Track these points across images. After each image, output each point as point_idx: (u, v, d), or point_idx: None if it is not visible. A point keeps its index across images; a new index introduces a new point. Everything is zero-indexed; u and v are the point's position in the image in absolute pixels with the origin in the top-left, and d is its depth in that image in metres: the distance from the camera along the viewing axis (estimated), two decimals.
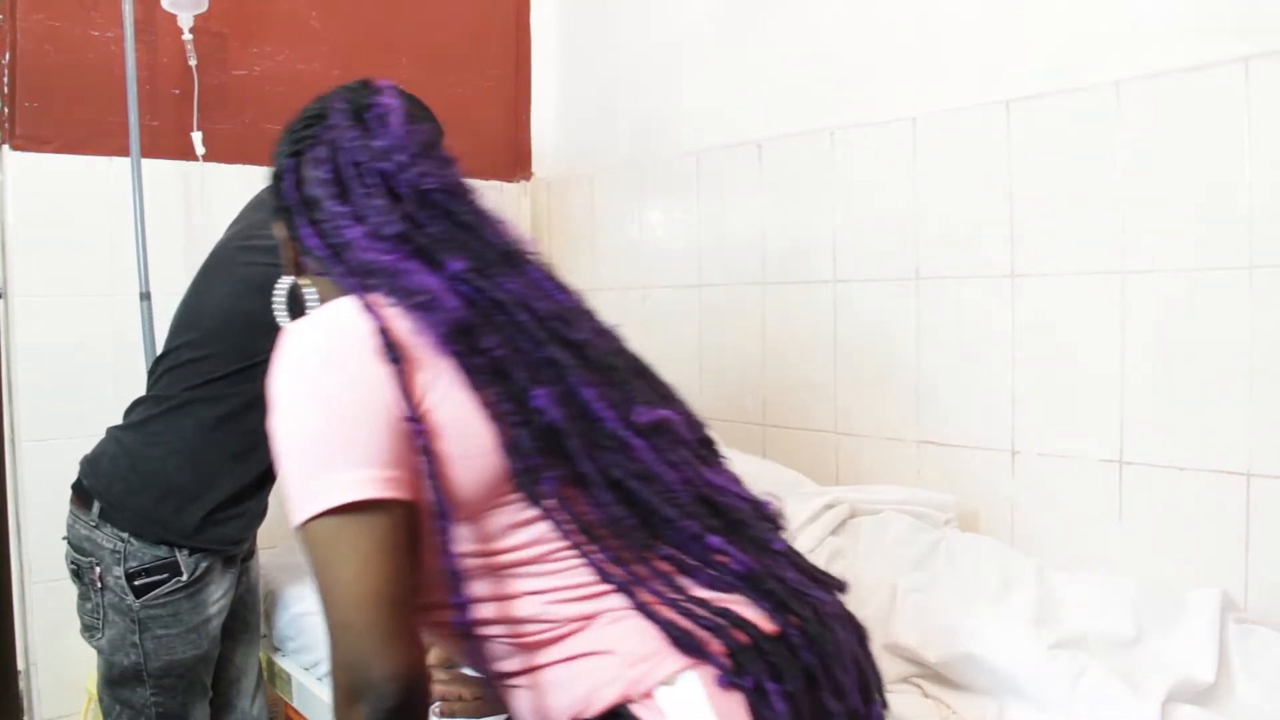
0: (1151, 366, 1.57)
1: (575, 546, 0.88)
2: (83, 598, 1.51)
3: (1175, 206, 1.53)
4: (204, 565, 1.50)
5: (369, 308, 0.87)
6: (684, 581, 0.91)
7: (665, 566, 0.91)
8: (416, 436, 0.84)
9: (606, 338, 1.00)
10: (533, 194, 2.87)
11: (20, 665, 2.06)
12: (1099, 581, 1.47)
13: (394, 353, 0.84)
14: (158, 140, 2.19)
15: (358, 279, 0.91)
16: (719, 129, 2.30)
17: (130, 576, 1.46)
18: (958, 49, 1.82)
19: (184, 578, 1.48)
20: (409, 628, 0.83)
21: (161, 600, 1.48)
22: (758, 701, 0.83)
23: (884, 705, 0.97)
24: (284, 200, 1.00)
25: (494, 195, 2.81)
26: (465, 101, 2.73)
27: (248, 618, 1.69)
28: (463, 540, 0.88)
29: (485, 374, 0.87)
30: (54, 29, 2.13)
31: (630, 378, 0.97)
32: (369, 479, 0.81)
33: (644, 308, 2.51)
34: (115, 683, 1.51)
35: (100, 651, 1.51)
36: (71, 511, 1.51)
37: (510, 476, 0.87)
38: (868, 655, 0.97)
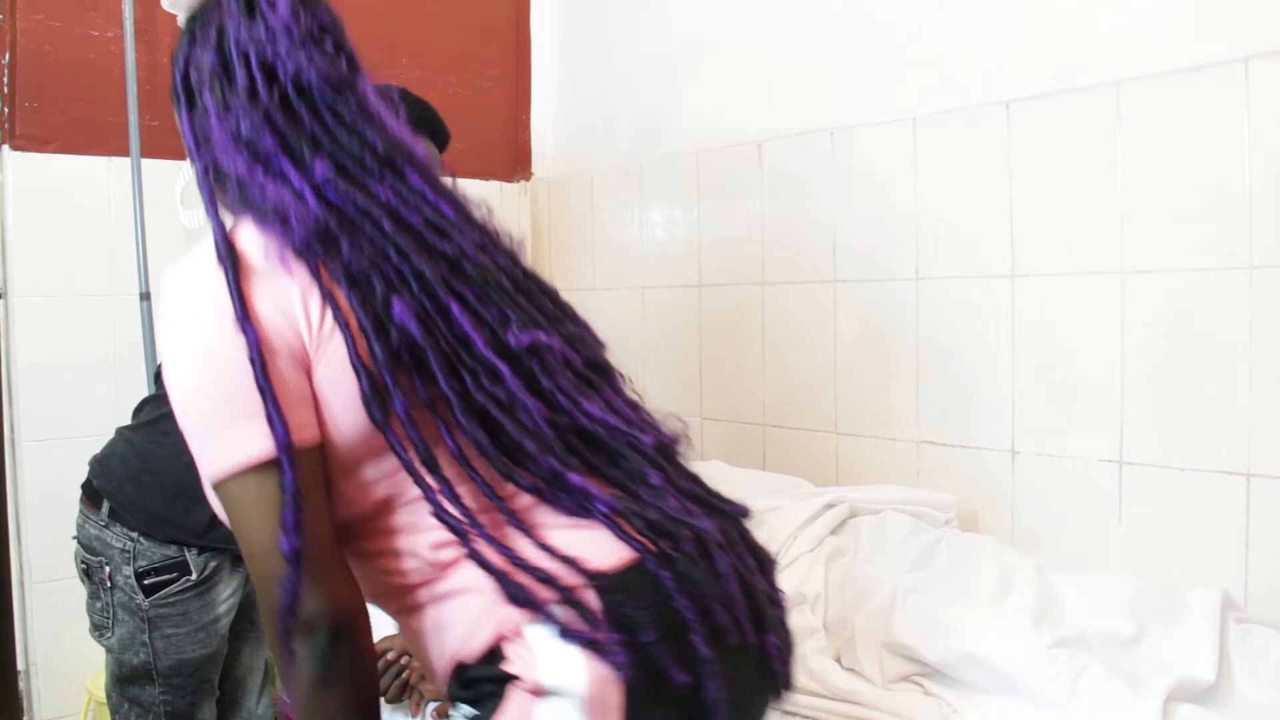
0: (1151, 366, 1.57)
1: (416, 481, 0.85)
2: (92, 597, 1.51)
3: (1175, 206, 1.53)
4: (213, 564, 1.51)
5: (224, 257, 0.83)
6: (542, 518, 0.87)
7: (525, 501, 0.87)
8: (262, 385, 0.81)
9: (490, 253, 0.93)
10: (533, 194, 2.87)
11: (20, 665, 2.06)
12: (1099, 581, 1.47)
13: (248, 321, 0.81)
14: (158, 140, 2.19)
15: (213, 188, 0.88)
16: (719, 129, 2.30)
17: (140, 576, 1.47)
18: (958, 49, 1.82)
19: (193, 577, 1.49)
20: (332, 564, 0.83)
21: (171, 599, 1.48)
22: (597, 652, 0.80)
23: (781, 637, 0.92)
24: (172, 87, 0.95)
25: (494, 195, 2.81)
26: (465, 101, 2.73)
27: (254, 617, 1.69)
28: (348, 476, 0.86)
29: (342, 285, 0.83)
30: (54, 29, 2.13)
31: (512, 297, 0.91)
32: (261, 434, 0.81)
33: (644, 308, 2.51)
34: (125, 681, 1.51)
35: (110, 650, 1.51)
36: (81, 511, 1.52)
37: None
38: (767, 582, 0.93)
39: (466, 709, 0.87)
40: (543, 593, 0.82)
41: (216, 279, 0.83)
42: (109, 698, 1.55)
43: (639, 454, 0.91)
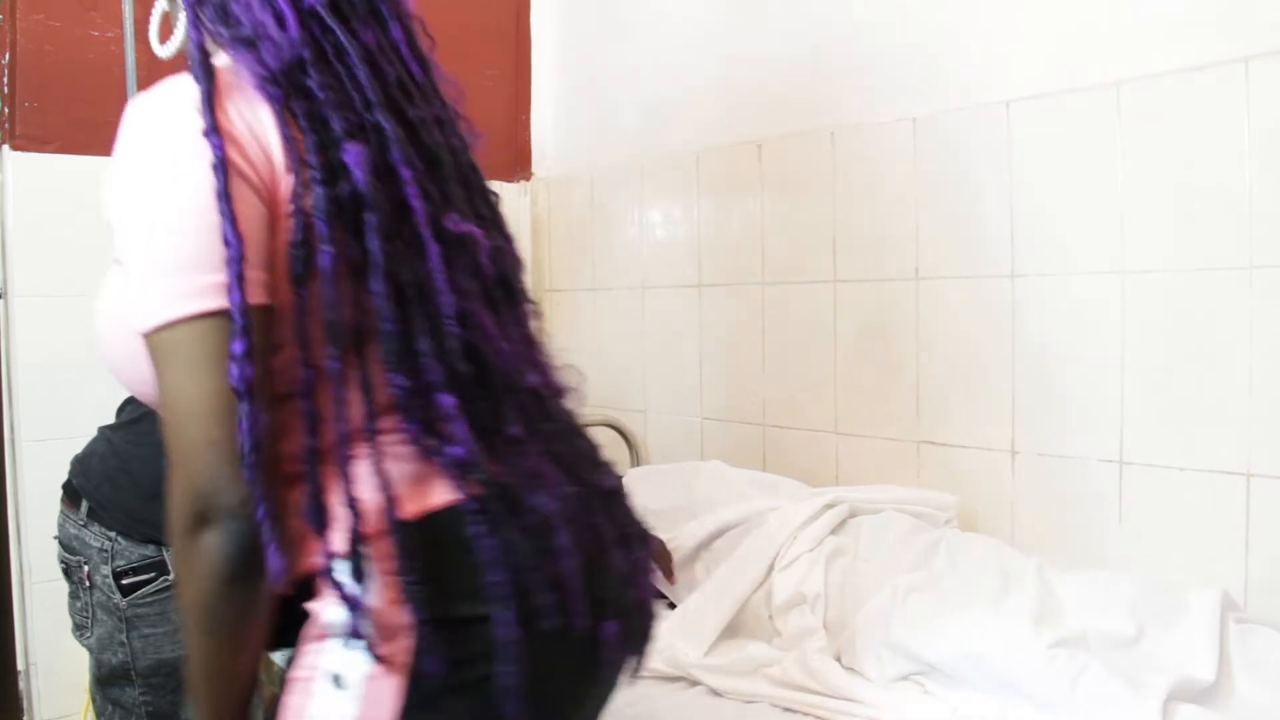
0: (1151, 366, 1.57)
1: (300, 349, 0.76)
2: (73, 596, 1.51)
3: (1175, 206, 1.53)
4: None
5: (199, 69, 0.76)
6: (389, 431, 0.78)
7: (388, 398, 0.78)
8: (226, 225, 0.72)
9: (446, 132, 0.88)
10: (533, 194, 2.87)
11: (20, 665, 2.06)
12: (1099, 581, 1.47)
13: (216, 134, 0.73)
14: None
15: (196, 3, 0.82)
16: (719, 129, 2.30)
17: (118, 575, 1.46)
18: (958, 49, 1.82)
19: (171, 576, 1.48)
20: (273, 449, 0.75)
21: (149, 599, 1.48)
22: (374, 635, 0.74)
23: (633, 621, 0.85)
24: None
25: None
26: (465, 101, 2.73)
27: None
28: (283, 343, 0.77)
29: (302, 121, 0.76)
30: (54, 29, 2.13)
31: (455, 181, 0.86)
32: (217, 269, 0.73)
33: (644, 308, 2.51)
34: (105, 682, 1.51)
35: (90, 650, 1.51)
36: (61, 510, 1.51)
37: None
38: (631, 561, 0.85)
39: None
40: (339, 541, 0.75)
41: (186, 95, 0.75)
42: (93, 700, 1.55)
43: (511, 393, 0.83)
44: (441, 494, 0.78)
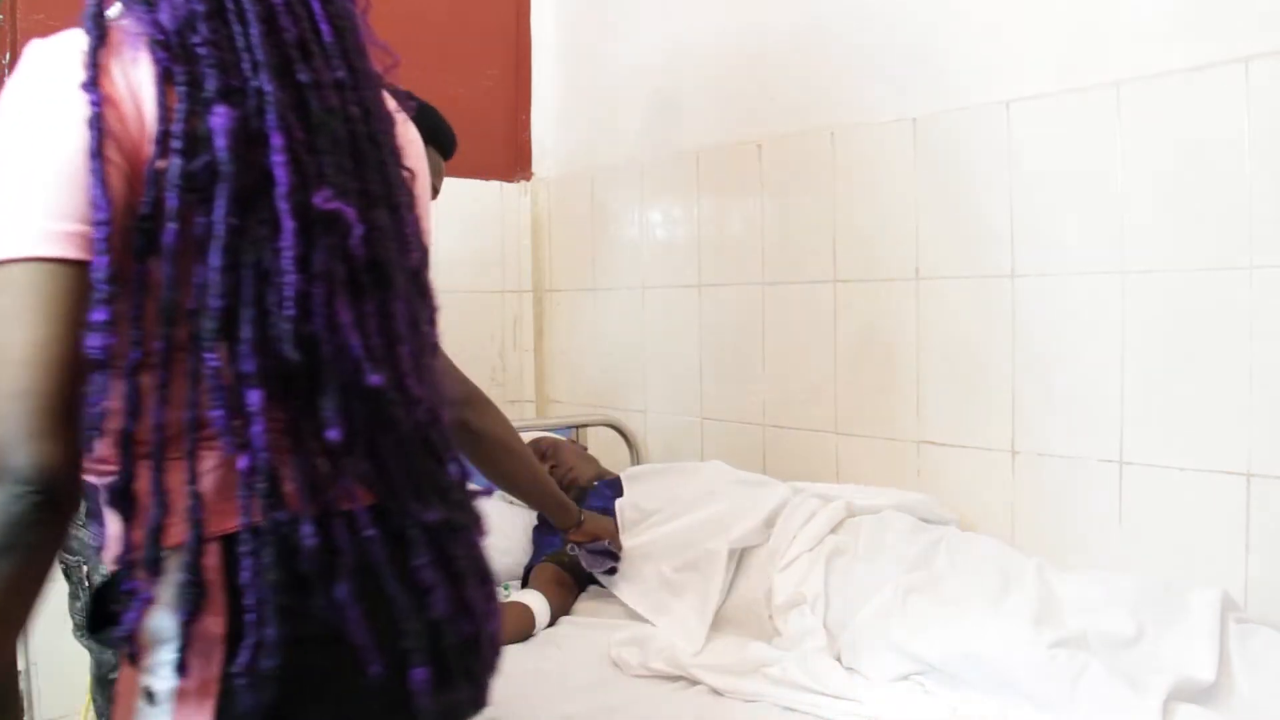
0: (1151, 366, 1.57)
1: (133, 327, 0.70)
2: (72, 596, 1.51)
3: (1175, 206, 1.53)
4: None
5: (90, 21, 0.73)
6: (208, 426, 0.72)
7: (183, 391, 0.71)
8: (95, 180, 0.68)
9: (346, 97, 0.78)
10: (533, 194, 2.87)
11: (20, 665, 2.06)
12: (1099, 581, 1.47)
13: (94, 87, 0.69)
14: None
15: None
16: (719, 129, 2.30)
17: None
18: (958, 49, 1.82)
19: None
20: (75, 414, 0.67)
21: None
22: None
23: (451, 665, 0.79)
24: None
25: (494, 195, 2.82)
26: (465, 101, 2.73)
27: None
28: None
29: (180, 86, 0.71)
30: (54, 29, 2.12)
31: (342, 155, 0.77)
32: (66, 233, 0.68)
33: (644, 308, 2.51)
34: (104, 681, 1.51)
35: (90, 651, 1.51)
36: None
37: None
38: (456, 601, 0.79)
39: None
40: (137, 542, 0.71)
41: (75, 46, 0.72)
42: (94, 700, 1.55)
43: (341, 393, 0.74)
44: (230, 515, 0.73)
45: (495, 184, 2.82)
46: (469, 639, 0.82)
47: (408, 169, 0.86)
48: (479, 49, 2.79)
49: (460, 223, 2.66)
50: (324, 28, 0.78)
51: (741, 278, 2.25)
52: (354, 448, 0.75)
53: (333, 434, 0.73)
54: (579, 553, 1.74)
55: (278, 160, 0.71)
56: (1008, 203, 1.74)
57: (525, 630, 1.66)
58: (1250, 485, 1.47)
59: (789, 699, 1.37)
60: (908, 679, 1.38)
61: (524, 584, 1.85)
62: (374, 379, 0.74)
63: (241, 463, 0.71)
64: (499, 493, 2.17)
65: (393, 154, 0.83)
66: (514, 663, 1.54)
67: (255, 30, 0.73)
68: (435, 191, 1.82)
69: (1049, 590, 1.47)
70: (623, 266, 2.58)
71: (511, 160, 2.87)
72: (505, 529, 2.04)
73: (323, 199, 0.73)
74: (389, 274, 0.79)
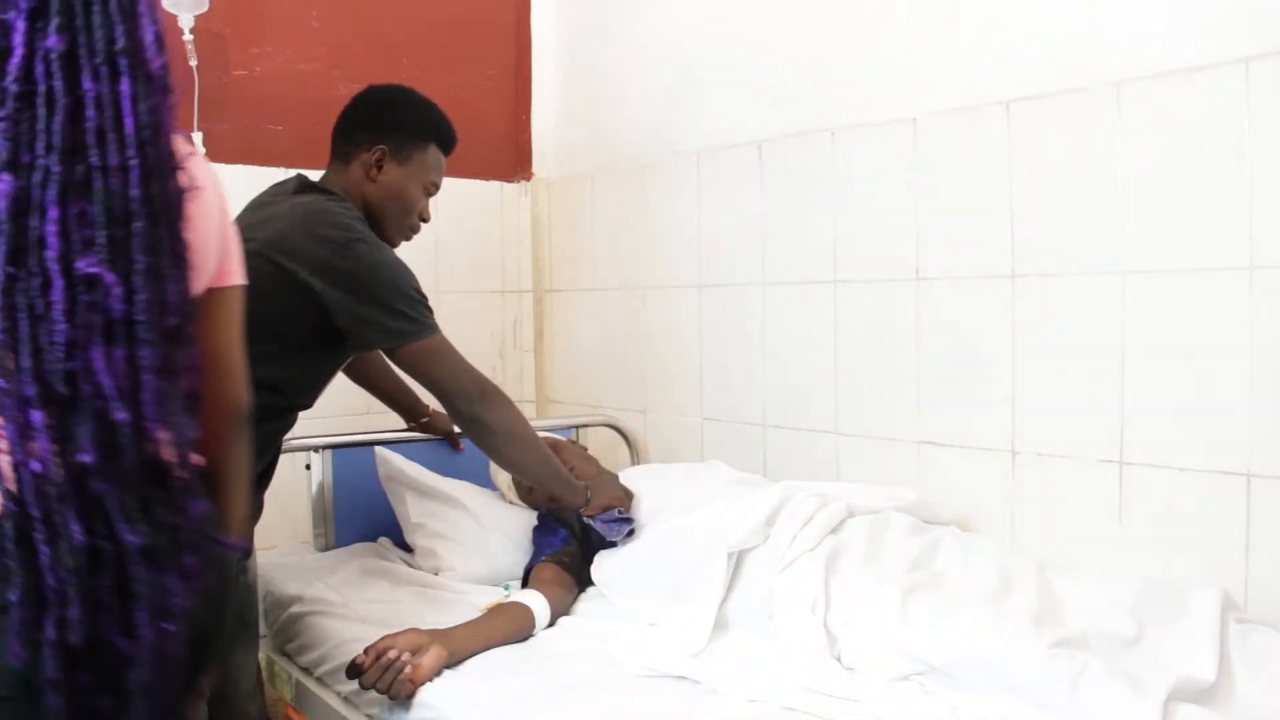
0: (1151, 366, 1.57)
1: None
2: None
3: (1175, 206, 1.53)
4: None
5: None
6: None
7: None
8: None
9: (129, 180, 0.90)
10: (533, 194, 2.87)
11: None
12: (1099, 581, 1.47)
13: None
14: None
15: None
16: (719, 129, 2.30)
17: None
18: (958, 49, 1.82)
19: None
20: None
21: None
22: None
23: (95, 703, 0.90)
24: None
25: (494, 195, 2.82)
26: (465, 101, 2.73)
27: (246, 617, 1.69)
28: None
29: None
30: None
31: (117, 225, 0.89)
32: None
33: (644, 308, 2.51)
34: None
35: None
36: None
37: None
38: (125, 637, 0.90)
39: None
40: None
41: None
42: None
43: (95, 421, 0.87)
44: None
45: (495, 184, 2.82)
46: (123, 657, 0.90)
47: (184, 241, 0.96)
48: (479, 49, 2.79)
49: (460, 223, 2.66)
50: (127, 121, 0.88)
51: (741, 278, 2.25)
52: (100, 471, 0.87)
53: (86, 458, 0.86)
54: (595, 525, 1.83)
55: (50, 230, 0.84)
56: (1008, 203, 1.74)
57: (525, 630, 1.66)
58: (1250, 485, 1.47)
59: (789, 699, 1.37)
60: (908, 679, 1.38)
61: (524, 584, 1.85)
62: (120, 415, 0.88)
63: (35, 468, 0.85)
64: (499, 493, 2.18)
65: (171, 229, 0.94)
66: (514, 663, 1.55)
67: (59, 119, 0.85)
68: (435, 189, 1.83)
69: (1049, 590, 1.47)
70: (623, 266, 2.58)
71: (511, 160, 2.87)
72: (505, 529, 2.05)
73: (85, 264, 0.86)
74: (136, 331, 0.90)
